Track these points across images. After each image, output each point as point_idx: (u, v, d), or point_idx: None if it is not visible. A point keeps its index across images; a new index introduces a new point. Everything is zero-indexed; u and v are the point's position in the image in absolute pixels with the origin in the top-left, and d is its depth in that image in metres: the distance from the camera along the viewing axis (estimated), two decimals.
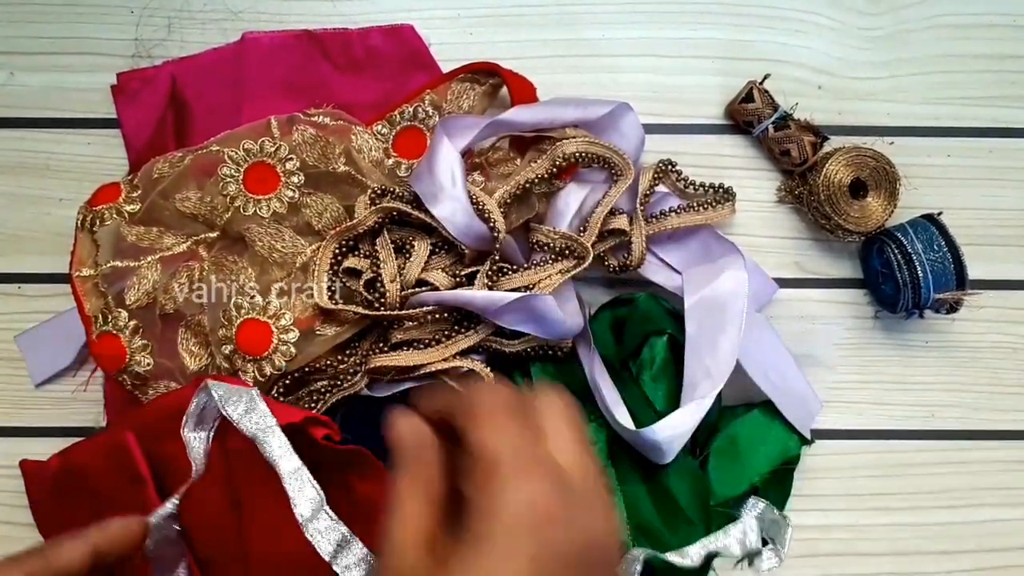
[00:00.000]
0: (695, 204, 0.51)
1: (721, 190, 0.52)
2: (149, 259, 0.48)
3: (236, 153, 0.49)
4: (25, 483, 0.50)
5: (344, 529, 0.37)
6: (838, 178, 0.51)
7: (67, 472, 0.48)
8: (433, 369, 0.48)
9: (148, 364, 0.48)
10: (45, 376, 0.53)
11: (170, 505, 0.39)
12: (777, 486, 0.50)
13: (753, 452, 0.50)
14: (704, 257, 0.51)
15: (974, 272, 0.51)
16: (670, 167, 0.52)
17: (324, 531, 0.37)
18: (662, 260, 0.52)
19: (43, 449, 0.51)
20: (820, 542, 0.54)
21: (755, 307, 0.52)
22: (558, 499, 0.27)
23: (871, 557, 0.54)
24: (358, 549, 0.37)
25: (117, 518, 0.36)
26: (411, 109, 0.52)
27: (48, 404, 0.53)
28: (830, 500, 0.54)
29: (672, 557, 0.44)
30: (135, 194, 0.49)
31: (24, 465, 0.50)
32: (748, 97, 0.53)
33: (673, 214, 0.51)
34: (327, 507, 0.38)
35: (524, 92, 0.52)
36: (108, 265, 0.48)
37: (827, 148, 0.53)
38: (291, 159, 0.49)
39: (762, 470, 0.50)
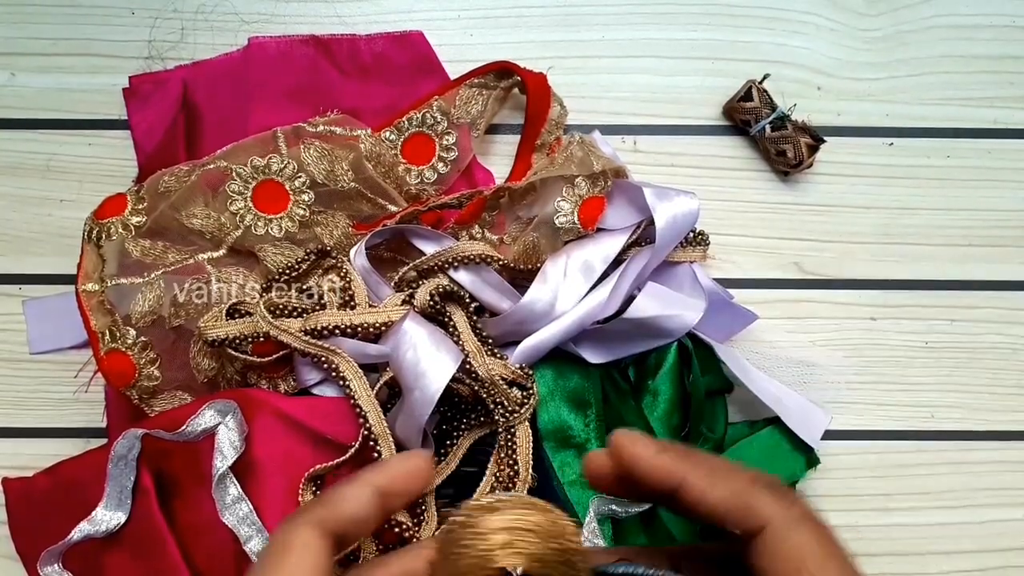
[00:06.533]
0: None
1: (698, 234, 0.51)
2: (154, 275, 0.48)
3: (244, 170, 0.48)
4: (7, 502, 0.49)
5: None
6: None
7: (57, 487, 0.48)
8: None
9: (157, 378, 0.48)
10: (44, 348, 0.52)
11: None
12: None
13: None
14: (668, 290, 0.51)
15: (974, 273, 0.51)
16: None
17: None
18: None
19: (43, 450, 0.51)
20: None
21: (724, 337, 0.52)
22: None
23: (871, 557, 0.54)
24: None
25: (397, 456, 0.31)
26: (419, 115, 0.51)
27: (48, 404, 0.53)
28: (830, 500, 0.54)
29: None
30: (141, 206, 0.48)
31: (7, 483, 0.49)
32: (747, 96, 0.53)
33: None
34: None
35: (540, 90, 0.52)
36: (113, 284, 0.47)
37: (826, 150, 0.53)
38: (300, 176, 0.48)
39: None
